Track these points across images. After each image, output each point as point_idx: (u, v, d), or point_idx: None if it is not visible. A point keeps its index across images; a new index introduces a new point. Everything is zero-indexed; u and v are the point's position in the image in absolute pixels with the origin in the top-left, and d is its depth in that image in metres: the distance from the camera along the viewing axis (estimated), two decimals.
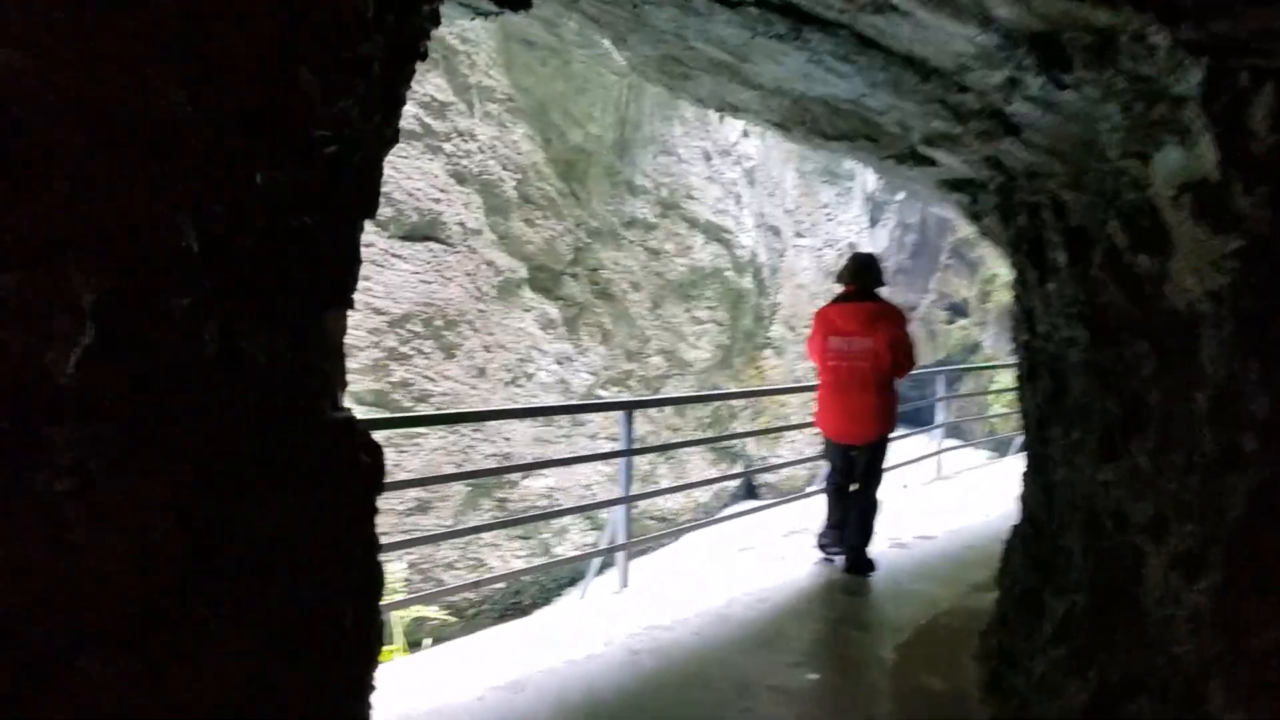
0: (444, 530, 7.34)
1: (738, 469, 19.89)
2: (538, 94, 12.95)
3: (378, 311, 10.08)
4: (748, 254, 18.71)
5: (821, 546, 6.22)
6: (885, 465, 6.12)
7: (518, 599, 11.48)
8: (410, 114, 10.71)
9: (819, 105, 4.08)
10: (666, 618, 4.80)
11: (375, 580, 2.08)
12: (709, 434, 18.32)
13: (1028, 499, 3.59)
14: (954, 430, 37.12)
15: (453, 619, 10.01)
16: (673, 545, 12.69)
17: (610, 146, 14.30)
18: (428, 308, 10.56)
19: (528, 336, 12.40)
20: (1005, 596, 3.68)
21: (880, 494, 6.12)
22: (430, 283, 10.68)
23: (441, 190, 11.01)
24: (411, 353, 10.36)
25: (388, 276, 10.29)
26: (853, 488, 6.13)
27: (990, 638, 3.69)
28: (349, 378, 9.21)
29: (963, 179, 4.00)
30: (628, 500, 5.72)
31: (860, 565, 6.00)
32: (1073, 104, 2.29)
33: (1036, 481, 3.44)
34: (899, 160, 4.17)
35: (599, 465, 13.72)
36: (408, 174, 10.66)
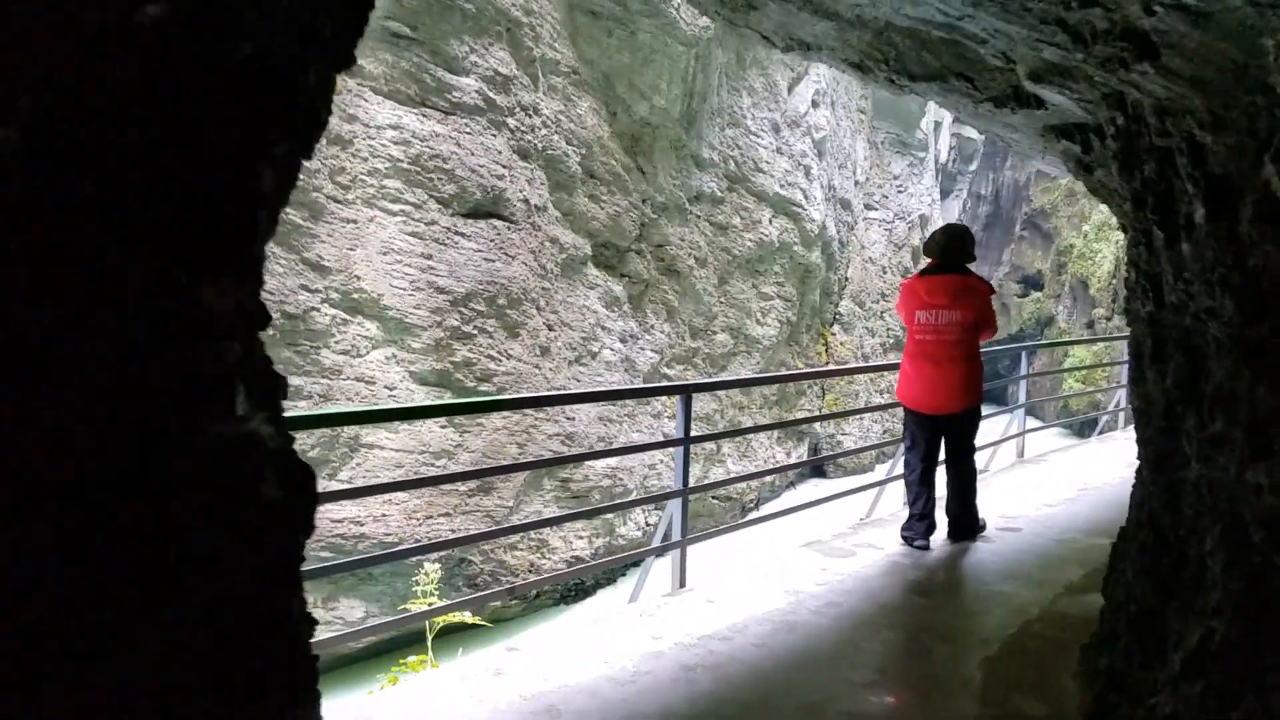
0: (495, 528, 7.11)
1: (804, 447, 19.54)
2: (602, 66, 12.67)
3: (440, 290, 9.96)
4: (817, 228, 18.23)
5: (907, 539, 5.92)
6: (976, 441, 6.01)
7: (580, 579, 11.37)
8: (473, 89, 10.53)
9: (906, 38, 3.69)
10: (724, 624, 4.32)
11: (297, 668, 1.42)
12: (775, 411, 17.99)
13: (1146, 499, 3.21)
14: (1031, 410, 36.18)
15: (514, 602, 9.92)
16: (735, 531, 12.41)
17: (677, 119, 13.97)
18: (491, 286, 10.41)
19: (592, 314, 12.20)
20: (1114, 611, 3.32)
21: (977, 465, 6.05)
22: (493, 260, 10.52)
23: (505, 166, 10.82)
24: (474, 331, 10.23)
25: (450, 255, 10.16)
26: (941, 464, 5.97)
27: (1095, 656, 3.35)
28: (410, 356, 8.97)
29: (1075, 124, 3.58)
30: (685, 493, 5.31)
31: (966, 529, 5.95)
32: (1236, 11, 1.91)
33: (1159, 479, 3.06)
34: (998, 104, 3.76)
35: None
36: (470, 150, 10.48)
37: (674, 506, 5.28)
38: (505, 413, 10.48)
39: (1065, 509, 6.96)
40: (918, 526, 5.85)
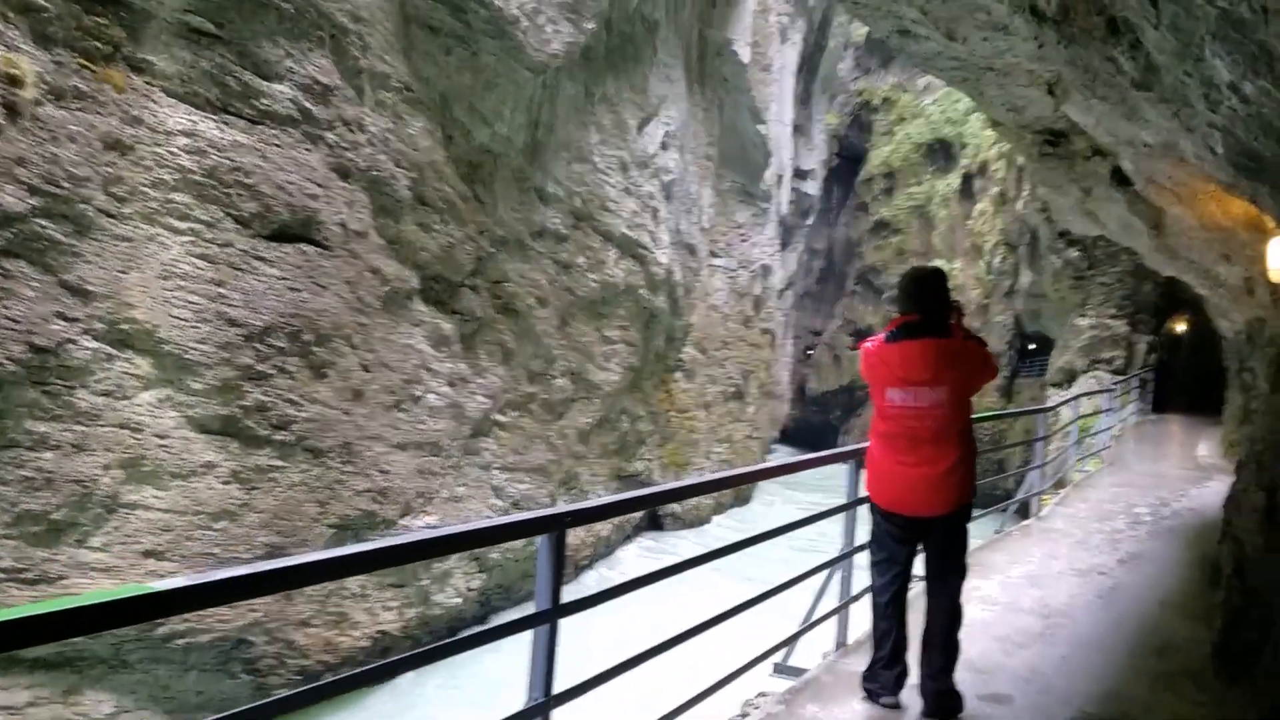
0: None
1: None
2: (440, 85, 11.61)
3: (232, 323, 8.56)
4: (663, 271, 17.65)
5: (871, 693, 4.43)
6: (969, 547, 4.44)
7: (385, 658, 10.04)
8: (286, 97, 9.27)
9: None
10: None
11: None
12: (614, 461, 17.17)
13: None
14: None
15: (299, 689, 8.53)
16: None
17: (520, 149, 13.04)
18: (295, 319, 9.09)
19: (416, 354, 10.99)
20: None
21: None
22: (300, 290, 9.21)
23: (320, 185, 9.56)
24: (271, 371, 8.87)
25: (247, 282, 8.78)
26: (914, 589, 4.47)
27: None
28: (189, 399, 7.43)
29: None
30: (554, 615, 3.21)
31: (948, 706, 4.30)
32: None
33: None
34: None
35: (491, 500, 12.41)
36: (279, 164, 9.18)
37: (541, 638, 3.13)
38: (304, 465, 9.12)
39: (1045, 654, 5.39)
40: (885, 676, 4.37)
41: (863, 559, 4.82)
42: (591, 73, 14.82)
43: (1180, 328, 21.95)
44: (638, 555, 16.94)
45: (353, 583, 9.66)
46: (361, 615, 9.69)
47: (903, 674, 4.35)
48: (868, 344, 4.39)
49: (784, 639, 4.73)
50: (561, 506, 2.93)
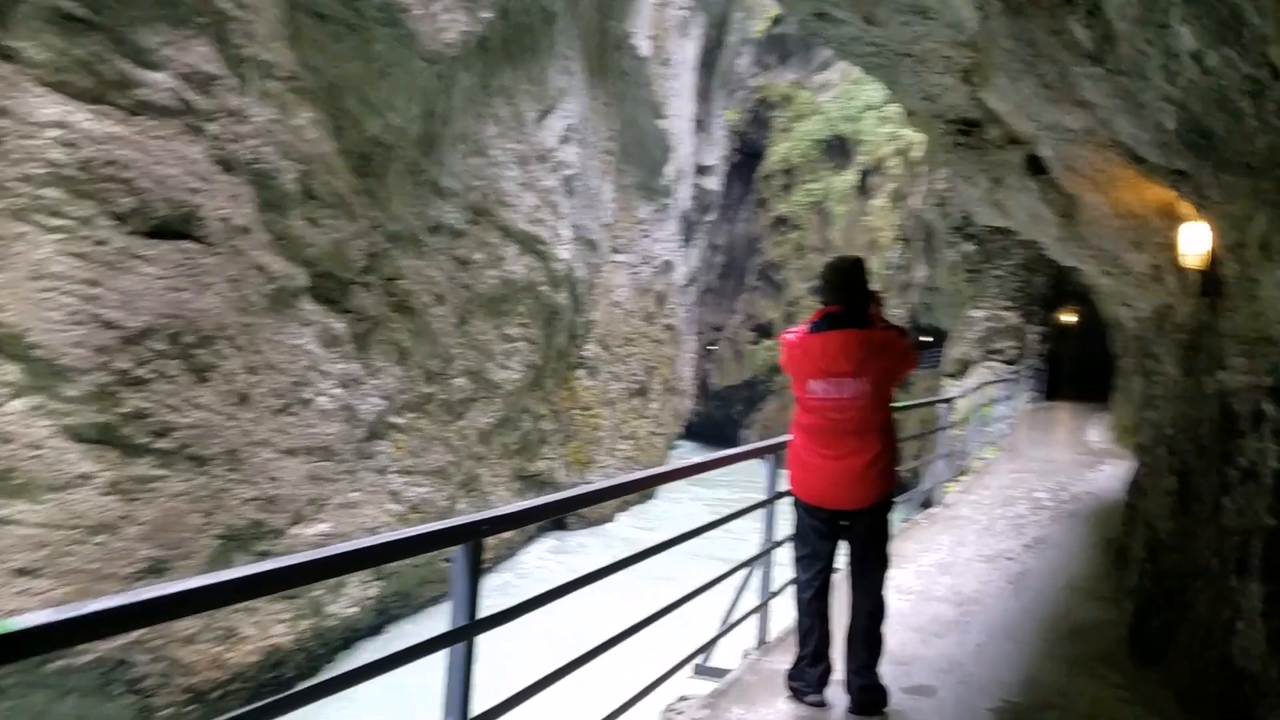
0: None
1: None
2: (329, 75, 11.16)
3: (109, 325, 8.04)
4: (564, 268, 17.45)
5: (796, 691, 4.33)
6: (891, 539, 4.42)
7: (278, 672, 9.61)
8: (166, 87, 8.77)
9: None
10: None
11: None
12: (515, 461, 16.90)
13: None
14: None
15: (187, 707, 8.14)
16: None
17: (414, 141, 12.65)
18: (176, 320, 8.60)
19: (305, 355, 10.55)
20: None
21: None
22: (181, 290, 8.72)
23: (201, 179, 9.07)
24: (151, 376, 8.37)
25: (125, 282, 8.27)
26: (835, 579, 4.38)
27: None
28: (63, 406, 6.90)
29: None
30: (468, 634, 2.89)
31: (872, 700, 4.24)
32: None
33: None
34: None
35: (388, 505, 12.05)
36: (158, 157, 8.67)
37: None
38: (188, 474, 8.64)
39: (962, 643, 5.39)
40: (809, 674, 4.28)
41: (783, 554, 4.81)
42: (488, 63, 14.51)
43: (1067, 318, 22.73)
44: (542, 557, 16.69)
45: None
46: (251, 629, 9.24)
47: (827, 671, 4.30)
48: (789, 334, 4.36)
49: (705, 641, 4.62)
50: (477, 514, 2.68)
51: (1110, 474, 11.46)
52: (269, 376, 9.87)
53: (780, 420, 37.01)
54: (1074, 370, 23.34)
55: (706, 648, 4.65)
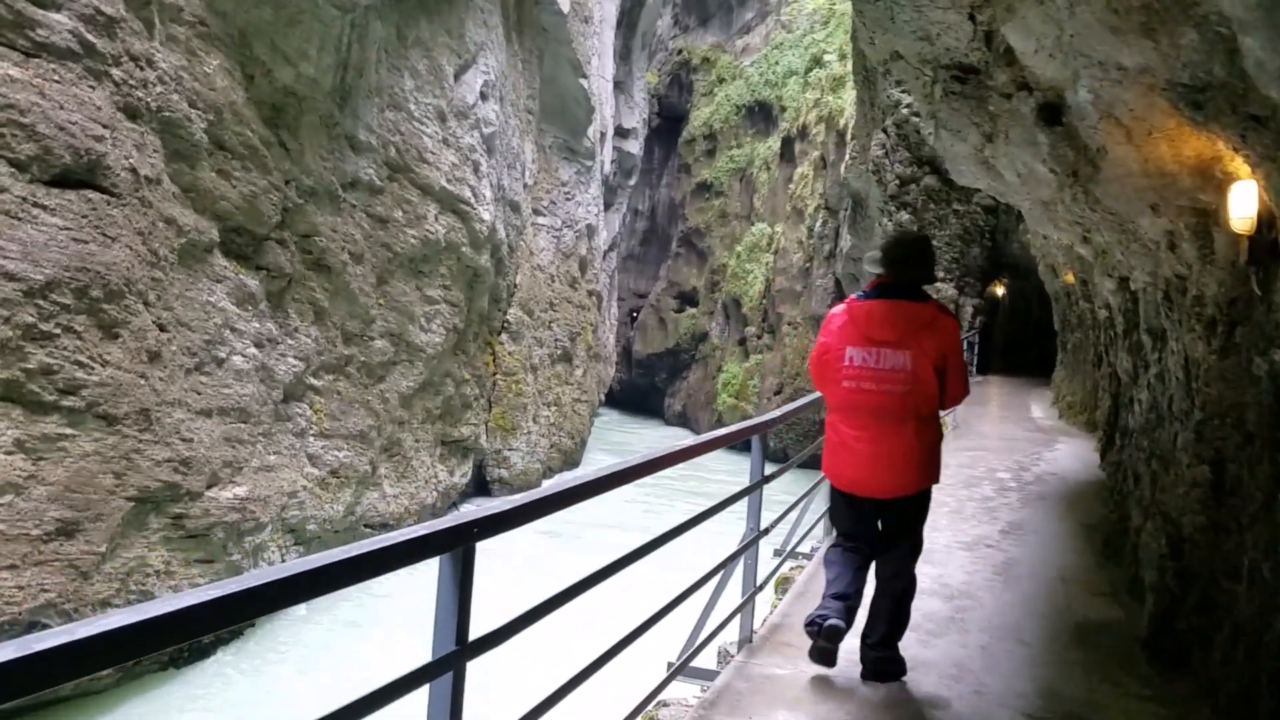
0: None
1: (469, 464, 18.40)
2: (238, 21, 10.68)
3: (10, 277, 7.61)
4: (486, 229, 17.16)
5: (815, 624, 4.01)
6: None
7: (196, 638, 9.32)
8: (66, 28, 8.27)
9: None
10: None
11: None
12: (439, 426, 16.67)
13: None
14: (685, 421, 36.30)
15: (104, 673, 7.85)
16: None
17: (328, 92, 12.23)
18: (82, 273, 8.17)
19: (218, 313, 10.16)
20: None
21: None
22: (86, 242, 8.28)
23: (105, 126, 8.59)
24: (57, 330, 7.96)
25: (26, 232, 7.82)
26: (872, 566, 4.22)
27: None
28: None
29: None
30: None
31: (888, 669, 4.16)
32: None
33: None
34: None
35: (307, 468, 11.76)
36: (59, 102, 8.18)
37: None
38: (98, 434, 8.27)
39: (965, 644, 5.01)
40: (834, 605, 3.99)
41: (767, 545, 4.70)
42: (403, 14, 14.09)
43: (999, 291, 22.01)
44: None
45: (155, 558, 8.88)
46: (167, 594, 8.93)
47: (851, 611, 4.03)
48: (838, 307, 4.24)
49: (696, 644, 4.16)
50: (465, 515, 2.19)
51: (1067, 453, 11.27)
52: (180, 334, 9.48)
53: (703, 390, 36.83)
54: (1005, 345, 22.89)
55: (695, 652, 4.17)
